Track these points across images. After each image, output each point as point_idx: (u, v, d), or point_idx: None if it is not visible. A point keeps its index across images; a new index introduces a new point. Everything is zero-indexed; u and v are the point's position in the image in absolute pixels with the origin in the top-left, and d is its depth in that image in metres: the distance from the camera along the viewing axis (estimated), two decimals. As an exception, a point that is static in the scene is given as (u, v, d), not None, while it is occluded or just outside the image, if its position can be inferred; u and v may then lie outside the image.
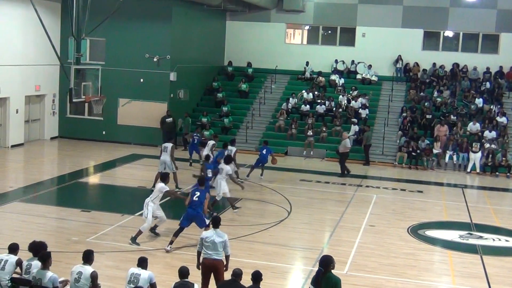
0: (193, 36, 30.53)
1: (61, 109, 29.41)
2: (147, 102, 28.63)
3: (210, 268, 10.46)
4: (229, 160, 17.95)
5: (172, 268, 12.33)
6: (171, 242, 13.84)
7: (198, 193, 13.93)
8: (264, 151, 22.34)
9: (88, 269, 9.14)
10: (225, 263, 10.60)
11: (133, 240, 14.15)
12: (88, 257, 9.30)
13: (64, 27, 27.39)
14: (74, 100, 20.03)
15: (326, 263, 8.87)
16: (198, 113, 30.59)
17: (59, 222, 15.93)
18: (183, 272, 9.21)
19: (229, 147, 20.87)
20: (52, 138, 29.13)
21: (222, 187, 17.14)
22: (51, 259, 9.24)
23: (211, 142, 22.24)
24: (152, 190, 15.30)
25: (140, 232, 14.17)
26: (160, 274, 11.49)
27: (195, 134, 25.17)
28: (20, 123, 26.86)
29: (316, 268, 11.28)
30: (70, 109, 29.51)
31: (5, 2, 25.12)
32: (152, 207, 14.24)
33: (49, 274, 9.02)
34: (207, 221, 13.57)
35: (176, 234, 13.90)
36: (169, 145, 19.55)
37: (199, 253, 10.63)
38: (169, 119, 27.88)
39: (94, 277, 9.09)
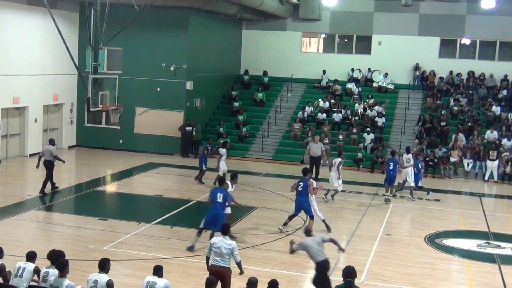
0: (209, 45, 30.66)
1: (79, 118, 29.67)
2: (164, 111, 28.78)
3: (217, 275, 10.39)
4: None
5: (188, 276, 12.36)
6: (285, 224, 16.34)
7: (302, 184, 15.85)
8: (391, 165, 20.84)
9: (104, 278, 9.17)
10: (238, 269, 10.66)
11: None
12: (104, 265, 9.34)
13: (82, 37, 27.65)
14: (91, 109, 20.14)
15: (354, 273, 8.95)
16: (214, 122, 30.71)
17: (76, 230, 16.02)
18: (211, 283, 9.23)
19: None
20: (70, 147, 29.37)
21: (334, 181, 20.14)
22: (68, 267, 9.28)
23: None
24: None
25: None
26: (176, 283, 11.52)
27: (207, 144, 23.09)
28: (39, 132, 27.11)
29: (333, 278, 11.26)
30: (88, 118, 29.74)
31: (23, 13, 25.45)
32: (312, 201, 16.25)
33: (66, 282, 9.06)
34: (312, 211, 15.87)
35: (291, 218, 16.29)
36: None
37: (207, 258, 10.65)
38: (189, 128, 28.03)
39: (110, 285, 9.11)
